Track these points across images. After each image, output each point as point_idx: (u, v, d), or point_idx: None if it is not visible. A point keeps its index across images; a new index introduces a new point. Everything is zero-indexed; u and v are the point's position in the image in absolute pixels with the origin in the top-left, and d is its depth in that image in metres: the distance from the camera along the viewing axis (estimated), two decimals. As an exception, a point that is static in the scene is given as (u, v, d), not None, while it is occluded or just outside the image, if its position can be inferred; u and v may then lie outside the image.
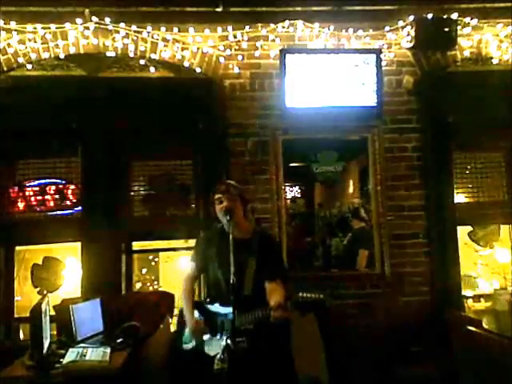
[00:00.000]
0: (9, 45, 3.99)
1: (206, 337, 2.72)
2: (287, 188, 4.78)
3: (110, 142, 4.19)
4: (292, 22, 4.19)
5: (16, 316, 4.18)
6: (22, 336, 4.23)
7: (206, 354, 2.66)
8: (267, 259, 2.74)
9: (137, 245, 4.45)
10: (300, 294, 2.44)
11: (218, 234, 2.87)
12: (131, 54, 4.11)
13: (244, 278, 2.64)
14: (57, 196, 4.22)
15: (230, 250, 2.57)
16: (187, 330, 2.80)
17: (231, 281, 2.43)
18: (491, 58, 4.36)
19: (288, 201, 4.78)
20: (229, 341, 2.44)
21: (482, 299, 4.45)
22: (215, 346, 2.63)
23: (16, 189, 4.21)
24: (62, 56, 4.05)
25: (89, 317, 3.55)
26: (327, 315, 2.66)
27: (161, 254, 4.94)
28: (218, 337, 2.67)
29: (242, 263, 2.64)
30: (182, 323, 2.88)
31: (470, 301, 4.42)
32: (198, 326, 2.74)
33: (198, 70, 4.19)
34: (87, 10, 3.97)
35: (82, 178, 4.21)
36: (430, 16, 4.14)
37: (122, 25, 4.03)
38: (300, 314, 2.49)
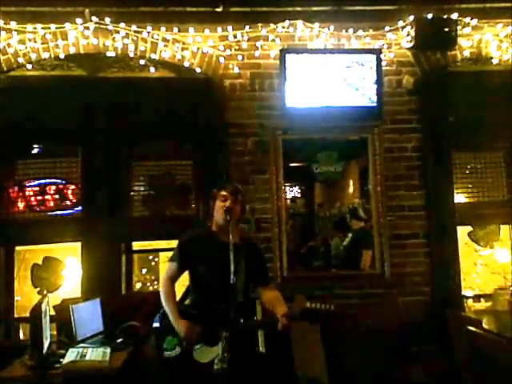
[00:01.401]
0: (9, 45, 3.99)
1: (197, 346, 2.60)
2: (287, 188, 4.78)
3: (110, 142, 4.19)
4: (292, 22, 4.19)
5: (16, 316, 4.18)
6: (22, 336, 4.23)
7: (196, 361, 2.55)
8: (256, 265, 2.74)
9: (137, 245, 4.45)
10: (308, 305, 2.42)
11: (204, 236, 2.79)
12: (131, 54, 4.11)
13: (236, 283, 2.53)
14: (57, 196, 4.21)
15: (217, 252, 2.58)
16: (170, 337, 2.64)
17: (231, 281, 2.42)
18: (491, 58, 4.36)
19: (288, 201, 4.77)
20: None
21: (482, 299, 4.46)
22: (207, 353, 2.54)
23: (16, 189, 4.21)
24: (62, 56, 4.06)
25: (89, 317, 3.55)
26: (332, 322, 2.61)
27: (161, 253, 4.93)
28: (212, 344, 2.55)
29: (234, 268, 2.55)
30: (160, 329, 2.71)
31: (470, 301, 4.42)
32: (192, 330, 2.57)
33: (198, 70, 4.19)
34: (87, 10, 3.97)
35: (81, 178, 4.21)
36: (430, 16, 4.14)
37: (122, 25, 4.03)
38: (308, 322, 2.48)
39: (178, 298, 2.83)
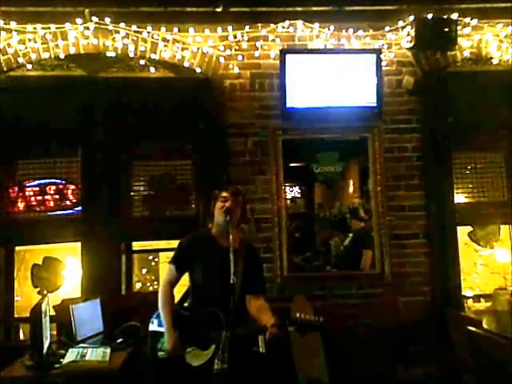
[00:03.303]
0: (9, 45, 3.99)
1: (189, 349, 2.58)
2: (287, 188, 4.77)
3: (110, 142, 4.19)
4: (292, 22, 4.19)
5: (16, 316, 4.19)
6: (22, 336, 4.23)
7: (188, 363, 2.54)
8: (252, 272, 2.70)
9: (137, 245, 4.45)
10: (298, 315, 2.39)
11: (204, 239, 2.77)
12: (131, 54, 4.11)
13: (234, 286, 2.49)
14: (57, 196, 4.22)
15: (216, 256, 2.59)
16: (163, 338, 2.64)
17: (231, 281, 2.41)
18: (491, 58, 4.36)
19: (288, 201, 4.77)
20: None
21: (481, 299, 4.46)
22: (198, 357, 2.53)
23: (16, 189, 4.21)
24: (62, 56, 4.06)
25: (89, 317, 3.55)
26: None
27: (161, 253, 4.94)
28: (204, 347, 2.54)
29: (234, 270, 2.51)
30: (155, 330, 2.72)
31: (470, 301, 4.43)
32: (177, 347, 2.57)
33: (198, 70, 4.19)
34: (87, 10, 3.97)
35: (81, 178, 4.21)
36: (430, 16, 4.14)
37: (122, 25, 4.03)
38: (299, 334, 2.45)
39: (177, 299, 2.83)
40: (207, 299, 2.62)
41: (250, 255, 2.73)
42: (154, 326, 2.75)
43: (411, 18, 4.18)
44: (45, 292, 4.12)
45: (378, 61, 4.21)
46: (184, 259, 2.75)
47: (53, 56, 4.05)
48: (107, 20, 4.00)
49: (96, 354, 3.06)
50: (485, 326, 3.40)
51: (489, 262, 4.72)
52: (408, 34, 4.24)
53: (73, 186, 4.25)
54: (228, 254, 2.50)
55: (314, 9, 4.18)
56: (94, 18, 3.98)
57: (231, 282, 2.41)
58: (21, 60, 4.01)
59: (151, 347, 2.69)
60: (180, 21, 4.12)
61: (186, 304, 2.83)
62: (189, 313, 2.70)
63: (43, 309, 3.10)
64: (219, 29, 4.17)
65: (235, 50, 4.20)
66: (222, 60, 4.18)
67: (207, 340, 2.52)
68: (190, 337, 2.58)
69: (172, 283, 2.77)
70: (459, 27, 4.19)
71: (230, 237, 2.55)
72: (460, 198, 4.47)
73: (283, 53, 4.14)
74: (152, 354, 2.68)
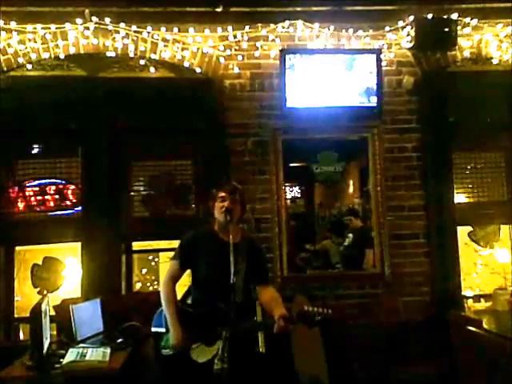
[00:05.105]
0: (9, 45, 3.99)
1: (194, 345, 2.59)
2: (287, 188, 4.78)
3: (110, 142, 4.19)
4: (292, 22, 4.19)
5: (16, 316, 4.19)
6: (22, 336, 4.23)
7: (193, 360, 2.55)
8: (256, 265, 2.73)
9: (137, 245, 4.45)
10: (306, 308, 2.40)
11: (206, 236, 2.78)
12: (131, 54, 4.11)
13: (235, 283, 2.49)
14: (57, 196, 4.21)
15: (219, 252, 2.58)
16: (169, 335, 2.64)
17: (231, 281, 2.41)
18: (491, 58, 4.36)
19: (288, 201, 4.78)
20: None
21: (482, 299, 4.46)
22: (204, 353, 2.54)
23: (16, 189, 4.21)
24: (62, 56, 4.06)
25: (89, 317, 3.55)
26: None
27: (161, 253, 4.93)
28: (210, 343, 2.55)
29: (235, 268, 2.51)
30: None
31: (470, 301, 4.43)
32: (183, 342, 2.57)
33: (198, 70, 4.19)
34: (87, 10, 3.97)
35: (82, 178, 4.21)
36: (430, 16, 4.14)
37: (122, 25, 4.03)
38: (306, 327, 2.45)
39: (179, 297, 2.83)
40: (210, 295, 2.63)
41: (251, 249, 2.75)
42: (154, 328, 2.75)
43: (411, 17, 4.18)
44: (45, 292, 4.11)
45: (378, 61, 4.21)
46: (188, 255, 2.75)
47: (53, 56, 4.05)
48: (107, 20, 4.00)
49: (96, 354, 3.06)
50: (485, 326, 3.39)
51: (489, 262, 4.72)
52: (408, 34, 4.24)
53: (73, 186, 4.25)
54: (233, 248, 2.50)
55: (314, 9, 4.18)
56: (94, 18, 3.98)
57: (231, 282, 2.41)
58: (21, 60, 4.01)
59: (154, 345, 2.69)
60: (180, 21, 4.12)
61: (188, 301, 2.83)
62: (193, 309, 2.70)
63: (43, 309, 3.09)
64: (219, 29, 4.17)
65: (235, 50, 4.20)
66: (222, 60, 4.18)
67: (213, 336, 2.51)
68: (196, 333, 2.58)
69: (174, 279, 2.76)
70: (459, 27, 4.20)
71: (231, 236, 2.54)
72: (460, 197, 4.47)
73: (283, 53, 4.14)
74: (155, 352, 2.68)
